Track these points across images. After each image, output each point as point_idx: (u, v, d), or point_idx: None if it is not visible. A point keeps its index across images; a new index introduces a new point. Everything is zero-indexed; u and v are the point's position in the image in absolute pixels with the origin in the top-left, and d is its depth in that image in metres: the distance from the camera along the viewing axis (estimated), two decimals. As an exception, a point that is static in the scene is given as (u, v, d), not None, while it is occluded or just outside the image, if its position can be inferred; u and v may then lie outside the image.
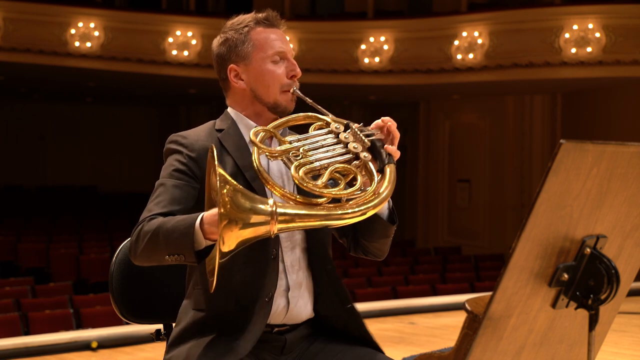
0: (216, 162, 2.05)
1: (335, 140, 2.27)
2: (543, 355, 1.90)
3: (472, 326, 1.82)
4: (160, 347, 2.54)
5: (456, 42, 14.33)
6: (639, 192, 1.85)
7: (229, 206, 2.02)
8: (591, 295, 1.76)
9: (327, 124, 2.32)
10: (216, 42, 2.51)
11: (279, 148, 2.22)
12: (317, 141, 2.26)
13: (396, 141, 2.32)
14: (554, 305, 1.80)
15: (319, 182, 2.16)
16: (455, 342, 1.87)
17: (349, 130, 2.29)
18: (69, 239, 13.66)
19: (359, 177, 2.21)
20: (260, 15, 2.48)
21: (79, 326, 8.05)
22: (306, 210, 2.11)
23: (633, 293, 7.88)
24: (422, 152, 18.05)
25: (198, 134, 2.44)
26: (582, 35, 13.19)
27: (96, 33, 14.39)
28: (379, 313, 8.02)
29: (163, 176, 2.37)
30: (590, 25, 13.21)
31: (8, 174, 20.90)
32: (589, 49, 13.16)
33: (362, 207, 2.14)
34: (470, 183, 17.34)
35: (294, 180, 2.17)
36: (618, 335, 6.48)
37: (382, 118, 2.35)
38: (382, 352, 2.45)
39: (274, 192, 2.17)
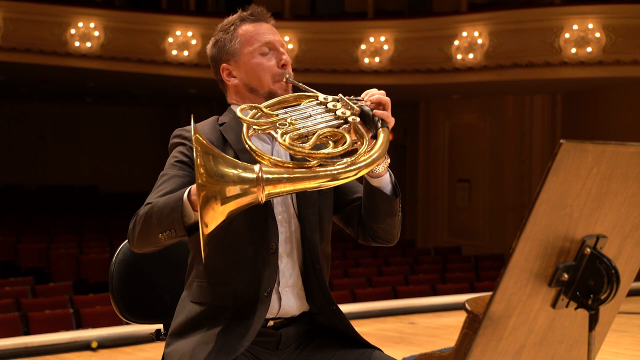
0: (192, 126, 2.03)
1: (324, 109, 2.26)
2: (543, 355, 1.90)
3: (472, 326, 1.82)
4: (160, 347, 2.54)
5: (456, 42, 14.34)
6: (639, 192, 1.85)
7: (205, 176, 1.99)
8: (591, 295, 1.76)
9: (317, 98, 2.31)
10: (209, 46, 2.56)
11: (266, 120, 2.21)
12: (305, 112, 2.25)
13: (388, 107, 2.29)
14: (554, 305, 1.79)
15: (307, 145, 2.14)
16: (455, 342, 1.87)
17: (338, 100, 2.28)
18: (69, 239, 13.67)
19: (348, 138, 2.18)
20: (245, 12, 2.51)
21: (79, 326, 8.05)
22: (295, 173, 2.08)
23: (633, 293, 7.88)
24: (422, 152, 18.04)
25: (202, 127, 2.45)
26: (582, 35, 13.20)
27: (96, 33, 14.39)
28: (379, 313, 8.01)
29: (166, 167, 2.39)
30: (590, 25, 13.21)
31: (8, 174, 20.90)
32: (589, 49, 13.17)
33: (353, 167, 2.10)
34: (470, 183, 17.34)
35: (281, 148, 2.16)
36: (618, 335, 6.49)
37: (371, 91, 2.34)
38: (380, 350, 2.45)
39: (263, 161, 2.12)
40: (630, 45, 13.07)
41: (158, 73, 14.97)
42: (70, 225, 15.51)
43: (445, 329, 7.34)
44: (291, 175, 2.07)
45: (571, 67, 13.41)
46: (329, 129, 2.19)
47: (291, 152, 2.12)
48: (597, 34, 13.19)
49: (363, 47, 14.97)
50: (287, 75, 2.45)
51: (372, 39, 14.94)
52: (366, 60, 14.92)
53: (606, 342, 2.13)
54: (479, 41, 14.05)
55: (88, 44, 14.30)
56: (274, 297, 2.37)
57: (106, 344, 6.39)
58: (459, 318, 6.26)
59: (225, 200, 2.00)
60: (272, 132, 2.18)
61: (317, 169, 2.10)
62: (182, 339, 2.35)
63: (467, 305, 1.85)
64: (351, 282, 10.95)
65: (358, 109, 2.25)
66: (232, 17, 2.52)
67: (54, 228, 14.97)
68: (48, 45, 14.11)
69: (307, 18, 17.04)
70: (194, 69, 14.91)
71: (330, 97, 2.29)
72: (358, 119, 2.22)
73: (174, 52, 14.76)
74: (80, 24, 14.31)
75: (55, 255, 12.29)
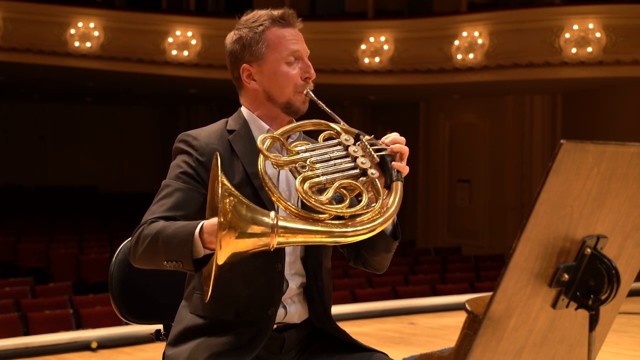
0: (219, 172, 2.01)
1: (344, 153, 2.22)
2: (543, 355, 1.89)
3: (472, 326, 1.81)
4: (160, 347, 2.54)
5: (456, 42, 14.33)
6: (639, 193, 1.84)
7: (229, 215, 1.99)
8: (591, 296, 1.75)
9: (337, 134, 2.27)
10: (230, 38, 2.45)
11: (285, 158, 2.18)
12: (325, 153, 2.21)
13: (405, 157, 2.27)
14: (554, 305, 1.79)
15: (324, 197, 2.12)
16: (456, 343, 1.87)
17: (358, 143, 2.25)
18: (68, 239, 13.65)
19: (364, 195, 2.16)
20: (276, 13, 2.41)
21: (79, 326, 8.04)
22: (308, 225, 2.08)
23: (633, 293, 7.87)
24: (422, 152, 18.04)
25: (209, 135, 2.38)
26: (582, 35, 13.19)
27: (96, 33, 14.38)
28: (379, 313, 8.01)
29: (170, 177, 2.33)
30: (591, 25, 13.20)
31: (8, 174, 20.89)
32: (589, 49, 13.16)
33: (366, 226, 2.11)
34: (470, 183, 17.34)
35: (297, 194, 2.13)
36: (618, 335, 6.48)
37: (393, 135, 2.31)
38: (382, 353, 2.44)
39: (278, 204, 2.13)
40: (630, 45, 13.06)
41: (158, 73, 14.96)
42: (70, 225, 15.50)
43: (446, 330, 7.33)
44: (305, 228, 2.08)
45: (571, 67, 13.40)
46: (347, 181, 2.18)
47: (306, 202, 2.11)
48: (598, 34, 13.18)
49: (363, 47, 14.96)
50: (308, 89, 2.40)
51: (372, 39, 14.93)
52: (366, 60, 14.91)
53: (606, 343, 2.13)
54: (479, 41, 14.05)
55: (88, 44, 14.29)
56: (279, 309, 2.36)
57: (106, 344, 6.38)
58: (459, 318, 6.25)
59: (240, 239, 2.01)
60: (293, 172, 2.18)
61: (330, 226, 2.10)
62: (181, 345, 2.34)
63: (467, 305, 1.84)
64: (351, 283, 10.94)
65: (377, 158, 2.23)
66: (260, 15, 2.42)
67: (54, 228, 14.96)
68: (48, 45, 14.10)
69: (307, 18, 16.98)
70: (194, 69, 14.89)
71: (350, 138, 2.25)
72: (377, 174, 2.20)
73: (174, 52, 14.75)
74: (80, 24, 14.30)
75: (55, 256, 12.28)
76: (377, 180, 2.20)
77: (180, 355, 2.32)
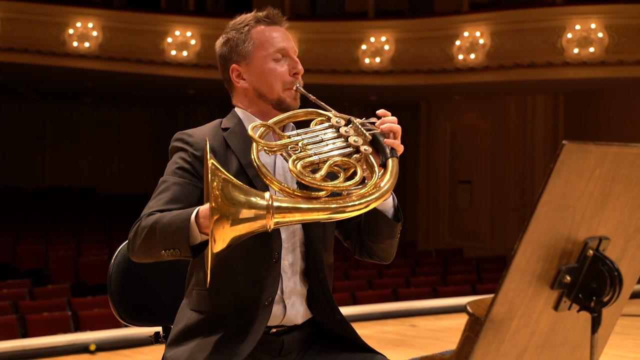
0: (208, 154, 2.01)
1: (336, 134, 2.24)
2: (545, 358, 1.89)
3: (473, 329, 1.79)
4: (159, 349, 2.52)
5: (457, 42, 14.32)
6: (643, 193, 1.83)
7: (219, 200, 1.99)
8: (594, 298, 1.74)
9: (329, 119, 2.29)
10: (218, 43, 2.50)
11: (277, 142, 2.19)
12: (317, 135, 2.23)
13: (399, 135, 2.28)
14: (556, 307, 1.78)
15: (317, 175, 2.12)
16: (457, 345, 1.85)
17: (350, 125, 2.26)
18: (67, 241, 13.64)
19: (358, 170, 2.16)
20: (261, 13, 2.46)
21: (77, 329, 8.03)
22: (304, 203, 2.08)
23: (636, 295, 7.86)
24: (423, 153, 18.04)
25: (204, 132, 2.41)
26: (584, 36, 13.18)
27: (94, 33, 14.38)
28: (380, 315, 8.00)
29: (166, 173, 2.36)
30: (593, 25, 13.20)
31: (6, 174, 20.90)
32: (591, 49, 13.15)
33: (363, 200, 2.10)
34: (471, 184, 17.34)
35: (291, 174, 2.14)
36: (621, 337, 6.47)
37: (382, 114, 2.32)
38: (382, 355, 2.43)
39: (272, 186, 2.13)
40: (633, 46, 13.06)
41: (157, 73, 14.97)
42: (68, 226, 15.50)
43: (447, 332, 7.32)
44: (301, 206, 2.07)
45: (574, 67, 13.39)
46: (340, 159, 2.18)
47: (301, 181, 2.11)
48: (600, 34, 13.17)
49: (364, 47, 14.95)
50: (298, 84, 2.42)
51: (372, 39, 14.92)
52: (367, 60, 14.91)
53: (609, 345, 2.12)
54: (481, 41, 14.04)
55: (86, 44, 14.29)
56: (279, 305, 2.36)
57: (105, 346, 6.37)
58: (461, 320, 6.25)
59: (235, 225, 2.00)
60: (285, 156, 2.18)
61: (326, 202, 2.09)
62: (182, 345, 2.34)
63: (468, 307, 1.82)
64: (352, 285, 10.93)
65: (370, 136, 2.24)
66: (247, 17, 2.47)
67: (53, 229, 14.95)
68: (46, 46, 14.10)
69: (307, 18, 17.03)
70: (193, 69, 14.89)
71: (342, 120, 2.27)
72: (370, 150, 2.21)
73: (173, 53, 14.75)
74: (79, 24, 14.30)
75: (54, 257, 12.26)
76: (370, 156, 2.21)
77: (179, 356, 2.32)
